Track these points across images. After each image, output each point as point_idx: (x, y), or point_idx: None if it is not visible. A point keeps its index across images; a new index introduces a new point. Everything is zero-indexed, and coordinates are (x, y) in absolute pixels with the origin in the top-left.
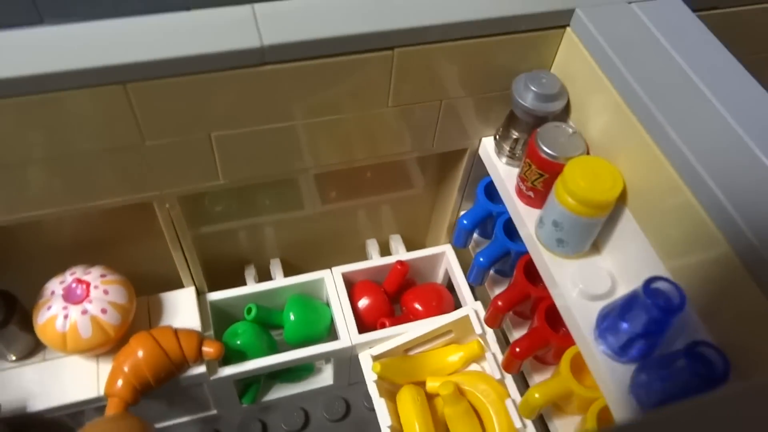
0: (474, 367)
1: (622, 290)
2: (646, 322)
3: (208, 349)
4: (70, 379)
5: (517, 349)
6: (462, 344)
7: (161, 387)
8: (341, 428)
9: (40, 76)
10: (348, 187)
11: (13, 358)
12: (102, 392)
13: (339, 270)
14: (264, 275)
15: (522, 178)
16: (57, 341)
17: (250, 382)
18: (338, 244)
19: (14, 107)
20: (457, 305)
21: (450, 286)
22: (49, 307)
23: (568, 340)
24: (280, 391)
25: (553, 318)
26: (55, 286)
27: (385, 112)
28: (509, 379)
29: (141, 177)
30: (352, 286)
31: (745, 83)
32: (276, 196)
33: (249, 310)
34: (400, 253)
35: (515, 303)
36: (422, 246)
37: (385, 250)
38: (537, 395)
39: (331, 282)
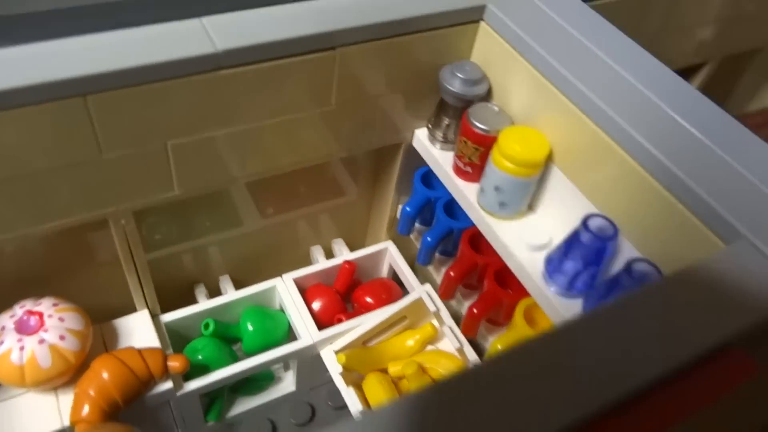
0: (431, 348)
1: (560, 237)
2: (586, 254)
3: (174, 363)
4: (28, 416)
5: (475, 310)
6: (416, 328)
7: (128, 408)
8: (310, 431)
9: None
10: (284, 200)
11: None
12: (67, 423)
13: (290, 276)
14: (214, 292)
15: (459, 156)
16: (14, 376)
17: (214, 397)
18: (283, 255)
19: None
20: (405, 295)
21: (397, 281)
22: (2, 342)
23: (517, 296)
24: (244, 404)
25: (501, 282)
26: (5, 320)
27: (328, 111)
28: (467, 348)
29: (97, 193)
30: (304, 291)
31: (630, 47)
32: (215, 215)
33: (207, 326)
34: (344, 255)
35: (465, 272)
36: (363, 245)
37: (329, 255)
38: (499, 346)
39: (284, 288)
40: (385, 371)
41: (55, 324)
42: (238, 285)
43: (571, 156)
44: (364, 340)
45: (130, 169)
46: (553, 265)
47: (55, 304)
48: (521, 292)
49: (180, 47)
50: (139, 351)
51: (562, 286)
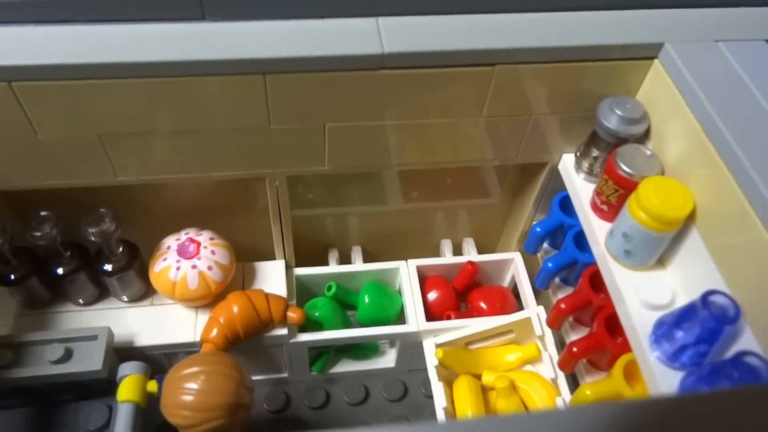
0: (528, 368)
1: (680, 303)
2: (700, 330)
3: (292, 315)
4: (171, 323)
5: (575, 349)
6: (521, 345)
7: (248, 341)
8: (397, 408)
9: (187, 63)
10: (429, 190)
11: (126, 299)
12: (198, 338)
13: (414, 262)
14: (345, 259)
15: (598, 192)
16: (167, 288)
17: (321, 352)
18: (415, 240)
19: (165, 86)
20: (520, 310)
21: (515, 293)
22: (165, 259)
23: (623, 348)
24: (346, 366)
25: (611, 327)
26: (171, 242)
27: (479, 121)
28: (562, 380)
29: (260, 155)
30: (423, 279)
31: None
32: (364, 190)
33: (329, 288)
34: (471, 255)
35: (577, 307)
36: (493, 251)
37: (457, 251)
38: (588, 392)
39: (406, 272)
40: (478, 377)
41: (207, 255)
42: (367, 258)
43: (712, 222)
44: (467, 342)
45: (290, 141)
46: (663, 330)
47: (211, 238)
48: (628, 344)
49: (351, 44)
50: (267, 295)
51: (666, 354)
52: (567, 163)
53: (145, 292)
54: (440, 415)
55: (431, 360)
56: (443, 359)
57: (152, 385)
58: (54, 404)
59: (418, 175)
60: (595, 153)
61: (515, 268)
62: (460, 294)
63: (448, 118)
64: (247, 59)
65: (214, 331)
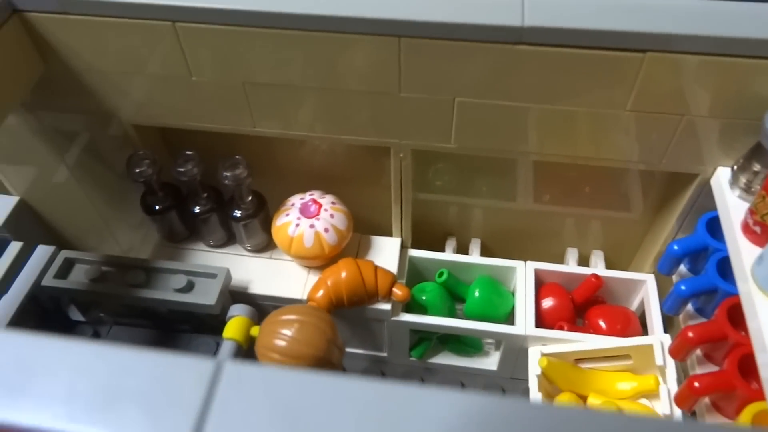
0: (642, 401)
1: None
2: None
3: (398, 291)
4: (284, 278)
5: (696, 384)
6: (638, 375)
7: (351, 309)
8: None
9: (331, 18)
10: (564, 193)
11: (249, 248)
12: (305, 296)
13: (533, 264)
14: (462, 249)
15: (752, 210)
16: (285, 243)
17: (423, 338)
18: (538, 243)
19: (308, 39)
20: (643, 335)
21: (642, 320)
22: (287, 215)
23: (756, 395)
24: (446, 359)
25: (746, 368)
26: (296, 200)
27: (621, 114)
28: (677, 420)
29: (388, 123)
30: (540, 284)
31: None
32: (493, 183)
33: (440, 274)
34: (598, 269)
35: (707, 339)
36: (622, 268)
37: (583, 263)
38: None
39: (522, 273)
40: (583, 399)
41: (326, 217)
42: (484, 252)
43: None
44: (577, 359)
45: (418, 112)
46: None
47: (333, 203)
48: (762, 391)
49: (489, 13)
50: (376, 268)
51: None
52: (721, 177)
53: (267, 244)
54: None
55: (534, 368)
56: (547, 370)
57: (255, 330)
58: (172, 331)
59: (554, 176)
60: (756, 167)
61: (646, 291)
62: (578, 307)
63: (587, 107)
64: (384, 19)
65: (321, 292)
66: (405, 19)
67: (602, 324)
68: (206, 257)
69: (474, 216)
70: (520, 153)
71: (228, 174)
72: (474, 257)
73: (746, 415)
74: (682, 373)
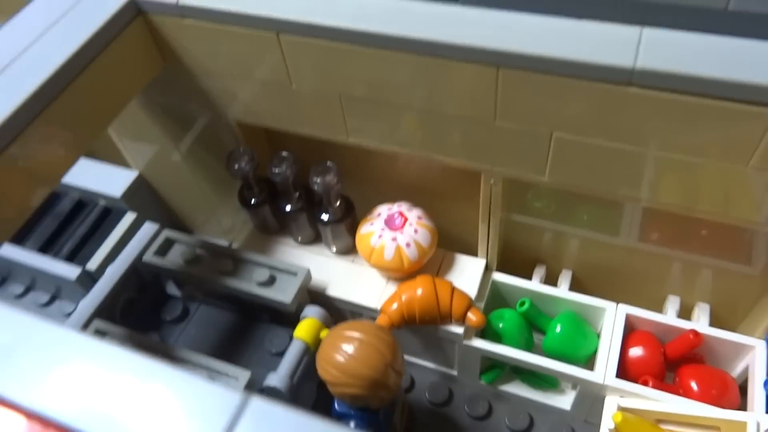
0: None
1: None
2: None
3: (472, 317)
4: (363, 285)
5: None
6: None
7: (422, 325)
8: None
9: (440, 44)
10: (676, 235)
11: (334, 250)
12: (379, 306)
13: (625, 308)
14: (551, 280)
15: None
16: (366, 252)
17: (495, 365)
18: (637, 286)
19: (407, 61)
20: (742, 410)
21: (743, 390)
22: (372, 224)
23: None
24: (517, 389)
25: None
26: (383, 210)
27: (744, 171)
28: None
29: (481, 149)
30: (630, 331)
31: None
32: (596, 214)
33: (522, 303)
34: (700, 324)
35: None
36: (731, 329)
37: (685, 315)
38: None
39: (612, 315)
40: None
41: (410, 232)
42: (574, 286)
43: None
44: (659, 419)
45: (512, 142)
46: None
47: (419, 217)
48: None
49: (598, 51)
50: (453, 289)
51: None
52: None
53: (351, 248)
54: None
55: (608, 421)
56: (621, 425)
57: (324, 333)
58: (254, 318)
59: (667, 216)
60: None
61: (753, 359)
62: (670, 363)
63: (706, 158)
64: (483, 49)
65: (394, 305)
66: (503, 49)
67: (694, 386)
68: (292, 253)
69: (569, 246)
70: (625, 197)
71: (318, 180)
72: (561, 290)
73: None
74: None
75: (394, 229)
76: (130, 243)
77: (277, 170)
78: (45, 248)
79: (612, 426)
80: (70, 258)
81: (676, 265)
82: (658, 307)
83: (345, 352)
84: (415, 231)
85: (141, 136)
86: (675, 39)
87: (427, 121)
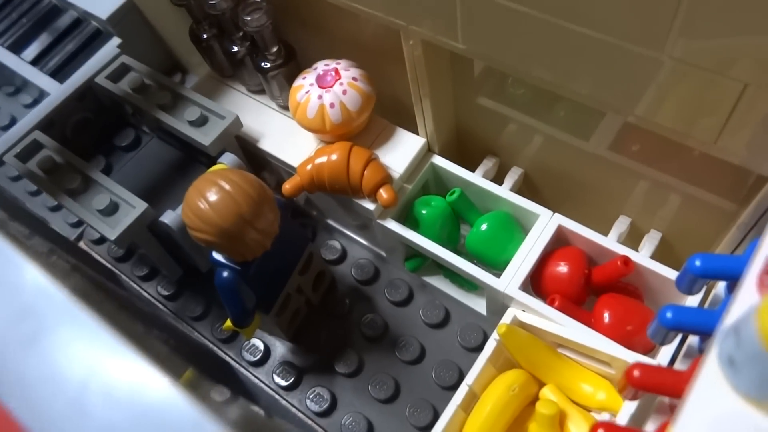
0: (604, 417)
1: None
2: None
3: (383, 194)
4: (293, 142)
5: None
6: (614, 391)
7: (335, 192)
8: (463, 357)
9: None
10: (654, 152)
11: (281, 103)
12: (295, 165)
13: (561, 218)
14: (496, 176)
15: None
16: (293, 106)
17: (418, 253)
18: (589, 199)
19: None
20: (651, 355)
21: None
22: (304, 78)
23: None
24: (441, 284)
25: None
26: (321, 64)
27: (663, 60)
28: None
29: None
30: (559, 243)
31: None
32: (572, 112)
33: (452, 193)
34: (641, 254)
35: (656, 389)
36: (678, 267)
37: (630, 240)
38: None
39: (543, 223)
40: (540, 385)
41: (338, 92)
42: (524, 187)
43: None
44: (558, 342)
45: None
46: None
47: (354, 79)
48: None
49: None
50: (369, 162)
51: None
52: None
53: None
54: (457, 396)
55: (495, 333)
56: (505, 337)
57: None
58: (194, 160)
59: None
60: None
61: (686, 302)
62: (592, 288)
63: (610, 35)
64: None
65: (308, 167)
66: None
67: (606, 317)
68: (239, 100)
69: (530, 142)
70: (538, 80)
71: (247, 18)
72: (499, 188)
73: None
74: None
75: (323, 87)
76: (90, 63)
77: (212, 2)
78: (38, 59)
79: (497, 337)
80: (56, 72)
81: (642, 183)
82: (605, 228)
83: (205, 198)
84: (344, 92)
85: None
86: None
87: None
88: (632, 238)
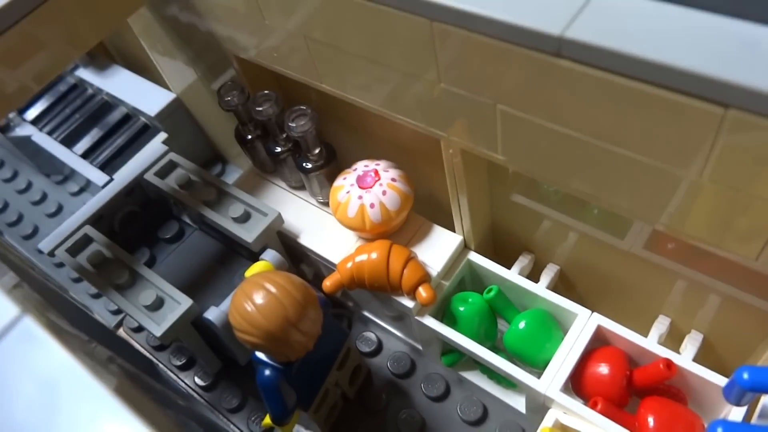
0: None
1: None
2: None
3: (422, 293)
4: (334, 239)
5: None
6: None
7: (377, 293)
8: None
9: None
10: (690, 250)
11: (320, 200)
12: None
13: (599, 319)
14: (533, 271)
15: None
16: (333, 205)
17: (455, 348)
18: (627, 298)
19: (355, 7)
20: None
21: None
22: (344, 178)
23: None
24: (478, 379)
25: None
26: (361, 165)
27: (696, 182)
28: None
29: (431, 113)
30: (600, 344)
31: None
32: (604, 210)
33: (490, 290)
34: (683, 356)
35: None
36: (721, 370)
37: (671, 340)
38: None
39: (582, 323)
40: None
41: (378, 193)
42: (560, 285)
43: None
44: None
45: (461, 109)
46: None
47: (393, 180)
48: None
49: (534, 13)
50: (408, 260)
51: None
52: None
53: None
54: None
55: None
56: None
57: None
58: (235, 252)
59: None
60: None
61: (731, 410)
62: (638, 392)
63: (644, 156)
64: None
65: (348, 265)
66: (436, 1)
67: (651, 421)
68: (279, 195)
69: (565, 239)
70: (579, 193)
71: (292, 124)
72: (536, 285)
73: None
74: None
75: (363, 187)
76: (138, 158)
77: (259, 109)
78: (88, 152)
79: None
80: (105, 165)
81: (680, 282)
82: (644, 327)
83: (252, 301)
84: (384, 192)
85: (172, 56)
86: (625, 10)
87: (374, 71)
88: (673, 338)
